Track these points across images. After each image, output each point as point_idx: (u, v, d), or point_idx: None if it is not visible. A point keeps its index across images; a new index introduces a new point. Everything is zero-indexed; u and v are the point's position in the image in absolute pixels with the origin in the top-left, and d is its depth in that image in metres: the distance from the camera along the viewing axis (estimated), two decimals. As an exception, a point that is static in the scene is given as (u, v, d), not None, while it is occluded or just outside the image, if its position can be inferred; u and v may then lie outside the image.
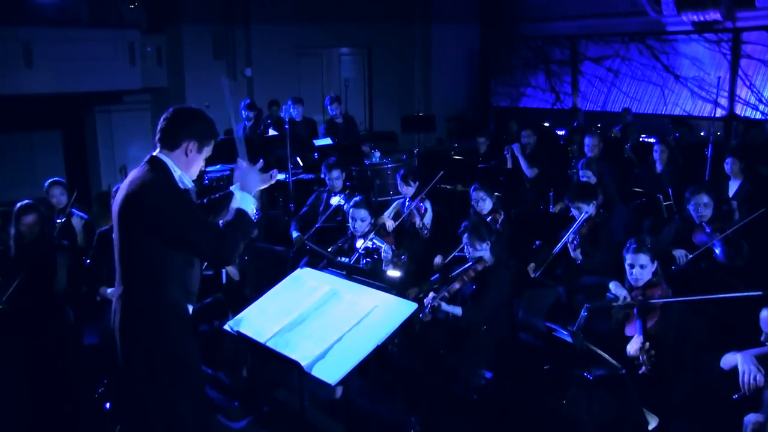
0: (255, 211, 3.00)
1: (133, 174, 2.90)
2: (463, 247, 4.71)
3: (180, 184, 2.91)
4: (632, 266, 3.93)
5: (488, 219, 5.45)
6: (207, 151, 2.99)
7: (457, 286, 4.51)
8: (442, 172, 6.20)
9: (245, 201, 2.98)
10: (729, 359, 3.27)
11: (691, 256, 4.90)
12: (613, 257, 5.13)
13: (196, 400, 3.00)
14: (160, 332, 2.85)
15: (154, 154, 2.92)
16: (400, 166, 7.63)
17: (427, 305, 4.40)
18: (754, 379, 3.05)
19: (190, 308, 2.98)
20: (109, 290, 4.61)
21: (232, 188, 3.07)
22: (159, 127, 2.91)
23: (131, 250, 2.85)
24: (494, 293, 4.48)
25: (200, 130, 2.93)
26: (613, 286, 4.08)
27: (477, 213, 5.66)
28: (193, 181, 3.02)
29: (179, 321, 2.91)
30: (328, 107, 9.32)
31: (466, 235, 4.60)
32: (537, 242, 5.47)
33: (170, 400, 2.88)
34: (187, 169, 2.93)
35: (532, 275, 5.13)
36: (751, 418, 3.00)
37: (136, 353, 2.87)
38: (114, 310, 2.94)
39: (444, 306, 4.41)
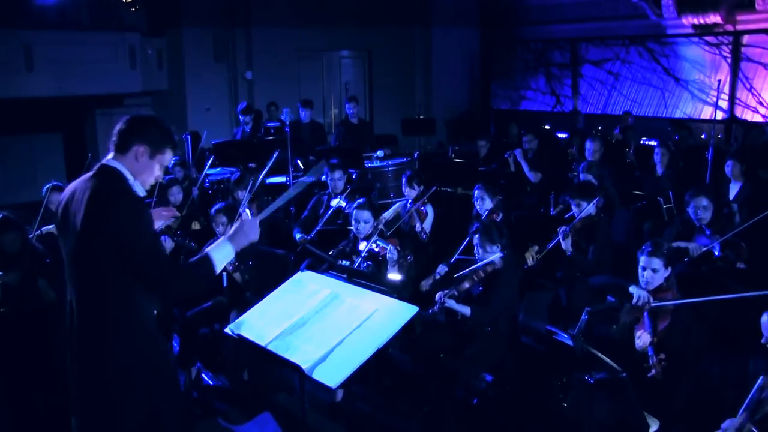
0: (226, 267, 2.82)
1: (81, 182, 2.75)
2: (464, 250, 4.71)
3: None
4: (645, 269, 3.90)
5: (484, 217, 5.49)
6: (160, 159, 2.84)
7: (466, 285, 4.53)
8: (434, 188, 6.21)
9: (224, 252, 2.83)
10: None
11: (704, 248, 4.88)
12: (609, 259, 5.16)
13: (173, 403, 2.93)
14: (133, 343, 2.73)
15: (104, 161, 2.79)
16: (401, 168, 7.65)
17: (438, 302, 4.43)
18: None
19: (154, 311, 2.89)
20: None
21: (215, 243, 2.89)
22: (113, 132, 2.81)
23: (95, 262, 2.67)
24: (502, 295, 4.49)
25: (152, 135, 2.80)
26: (634, 289, 3.99)
27: (479, 215, 5.69)
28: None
29: (151, 332, 2.81)
30: (346, 105, 9.56)
31: (477, 236, 4.61)
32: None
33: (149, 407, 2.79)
34: (138, 175, 2.79)
35: (530, 263, 5.15)
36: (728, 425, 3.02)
37: (105, 367, 2.72)
38: (71, 321, 2.77)
39: (453, 305, 4.42)
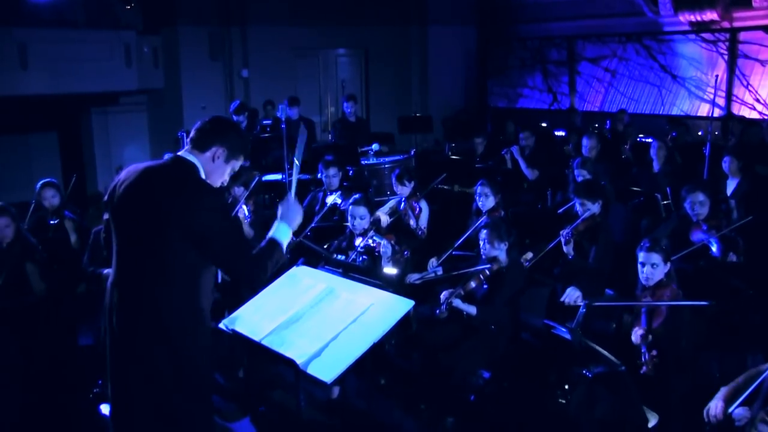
0: (288, 243, 2.95)
1: (153, 169, 2.80)
2: (460, 246, 4.70)
3: None
4: (644, 265, 3.89)
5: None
6: (233, 164, 2.93)
7: (473, 284, 4.49)
8: (444, 175, 6.19)
9: (283, 232, 2.94)
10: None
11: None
12: (610, 258, 5.12)
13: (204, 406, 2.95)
14: (185, 341, 2.76)
15: (180, 153, 2.85)
16: (397, 165, 7.62)
17: (443, 302, 4.40)
18: (714, 416, 3.09)
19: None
20: None
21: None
22: (194, 128, 2.89)
23: (162, 254, 2.70)
24: (507, 294, 4.46)
25: (233, 139, 2.89)
26: (569, 289, 4.03)
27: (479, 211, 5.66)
28: None
29: (204, 330, 2.84)
30: (344, 104, 9.53)
31: (485, 231, 4.57)
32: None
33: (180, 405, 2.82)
34: (209, 175, 2.85)
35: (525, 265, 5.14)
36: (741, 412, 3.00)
37: (150, 362, 2.74)
38: (116, 312, 2.80)
39: (460, 304, 4.39)
